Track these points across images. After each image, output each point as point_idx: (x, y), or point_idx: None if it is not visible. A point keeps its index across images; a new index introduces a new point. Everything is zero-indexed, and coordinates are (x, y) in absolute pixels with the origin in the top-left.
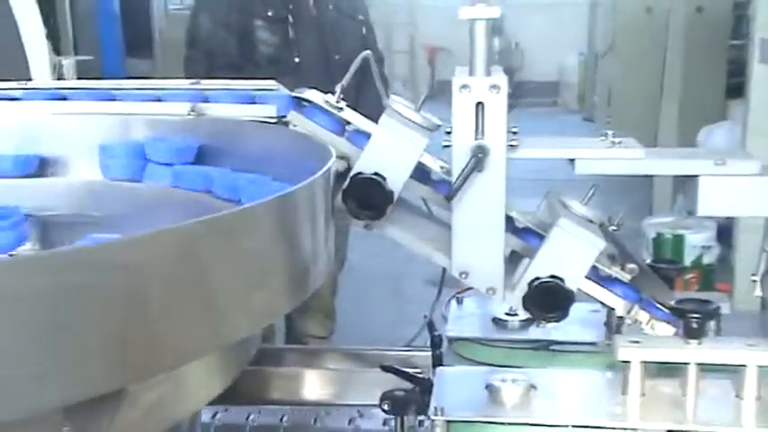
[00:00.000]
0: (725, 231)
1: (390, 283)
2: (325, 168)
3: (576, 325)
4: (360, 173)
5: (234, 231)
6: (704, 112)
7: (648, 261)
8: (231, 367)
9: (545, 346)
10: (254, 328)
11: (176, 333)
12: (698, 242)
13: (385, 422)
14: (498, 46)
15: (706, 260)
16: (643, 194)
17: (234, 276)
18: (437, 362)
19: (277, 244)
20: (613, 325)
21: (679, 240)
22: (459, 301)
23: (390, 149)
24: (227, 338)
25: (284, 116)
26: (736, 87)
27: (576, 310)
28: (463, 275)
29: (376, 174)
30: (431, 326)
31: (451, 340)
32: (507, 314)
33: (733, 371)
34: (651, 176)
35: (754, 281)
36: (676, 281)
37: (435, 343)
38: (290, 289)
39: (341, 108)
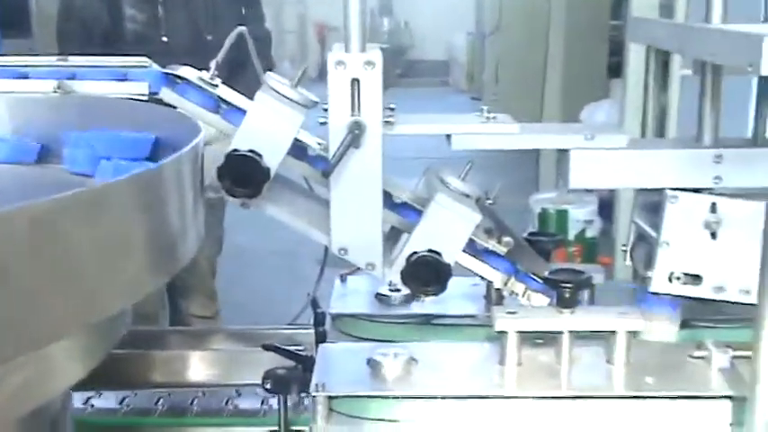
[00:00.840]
0: (606, 206)
1: (284, 263)
2: (191, 145)
3: (458, 299)
4: (235, 150)
5: (95, 208)
6: (587, 91)
7: (525, 234)
8: (99, 347)
9: (427, 320)
10: (120, 305)
11: (38, 313)
12: (580, 217)
13: (264, 401)
14: (387, 25)
15: (589, 234)
16: (530, 172)
17: (96, 254)
18: (320, 339)
19: (141, 220)
20: (493, 298)
21: (563, 215)
22: (343, 279)
23: (266, 126)
24: (91, 317)
25: (156, 93)
26: (617, 66)
27: (458, 284)
28: (342, 252)
29: (251, 151)
30: (314, 304)
31: (335, 317)
32: (390, 290)
33: (605, 338)
34: (537, 155)
35: (624, 251)
36: (558, 254)
37: (318, 320)
38: (157, 265)
39: (215, 85)
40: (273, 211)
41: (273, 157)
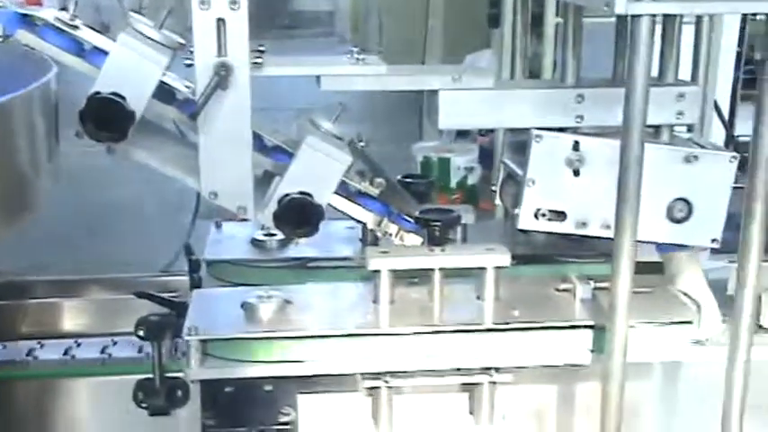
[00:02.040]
0: (487, 154)
1: (170, 216)
2: (41, 81)
3: (334, 242)
4: (97, 93)
5: None
6: (469, 41)
7: (399, 177)
8: None
9: (302, 263)
10: None
11: None
12: (462, 164)
13: (141, 349)
14: None
15: (470, 181)
16: (416, 121)
17: None
18: (195, 286)
19: None
20: (368, 240)
21: (444, 163)
22: (219, 226)
23: (129, 68)
24: None
25: (10, 35)
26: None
27: (335, 227)
28: (212, 196)
29: (114, 93)
30: (188, 250)
31: (210, 264)
32: (265, 235)
33: (477, 275)
34: (422, 104)
35: (494, 191)
36: (440, 200)
37: (193, 267)
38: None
39: (76, 26)
40: (141, 156)
41: (138, 100)
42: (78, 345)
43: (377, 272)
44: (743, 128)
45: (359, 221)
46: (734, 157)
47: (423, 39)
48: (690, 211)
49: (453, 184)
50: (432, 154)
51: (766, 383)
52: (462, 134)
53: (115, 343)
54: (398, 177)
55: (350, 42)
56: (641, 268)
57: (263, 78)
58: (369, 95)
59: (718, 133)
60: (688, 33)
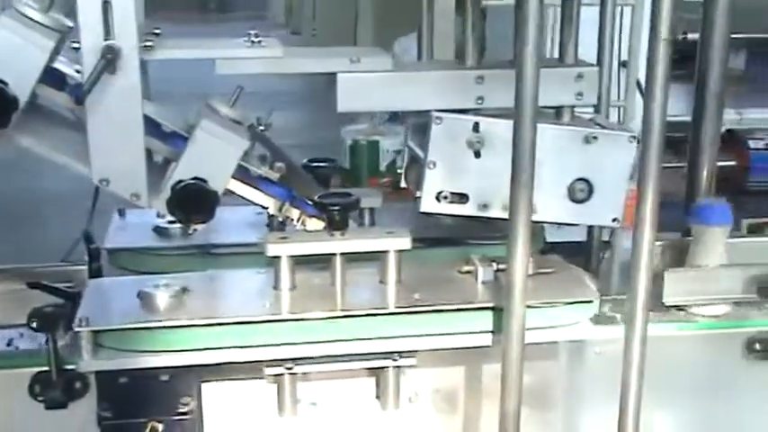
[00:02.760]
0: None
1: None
2: None
3: (241, 228)
4: None
5: None
6: (401, 23)
7: (304, 161)
8: None
9: (205, 250)
10: None
11: None
12: (391, 147)
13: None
14: None
15: (399, 164)
16: None
17: None
18: (95, 275)
19: None
20: (274, 225)
21: (373, 146)
22: (122, 213)
23: (11, 52)
24: None
25: None
26: None
27: (242, 213)
28: (104, 183)
29: None
30: (87, 238)
31: (111, 252)
32: (170, 222)
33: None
34: None
35: (400, 173)
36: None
37: (93, 255)
38: None
39: None
40: (28, 142)
41: (22, 86)
42: None
43: (276, 258)
44: (673, 109)
45: (261, 206)
46: (632, 137)
47: (354, 21)
48: (591, 192)
49: (383, 167)
50: (360, 137)
51: (664, 360)
52: (394, 117)
53: (22, 335)
54: (304, 161)
55: (283, 26)
56: (559, 250)
57: (197, 63)
58: (306, 78)
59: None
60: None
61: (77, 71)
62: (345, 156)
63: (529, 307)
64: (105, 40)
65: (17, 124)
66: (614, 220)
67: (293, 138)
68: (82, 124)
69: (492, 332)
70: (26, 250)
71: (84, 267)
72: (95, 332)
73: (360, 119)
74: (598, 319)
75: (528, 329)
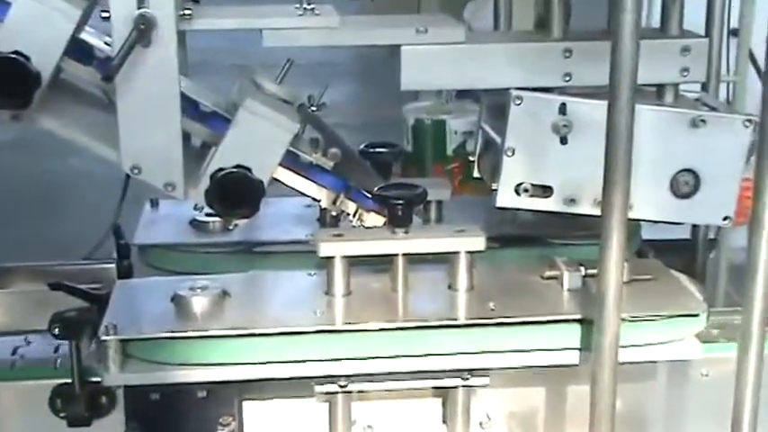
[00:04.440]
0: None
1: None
2: None
3: (288, 223)
4: None
5: None
6: None
7: (362, 146)
8: None
9: (248, 248)
10: None
11: None
12: (460, 128)
13: (58, 348)
14: None
15: (470, 147)
16: None
17: None
18: (124, 274)
19: None
20: (327, 220)
21: (439, 126)
22: (155, 204)
23: (35, 23)
24: None
25: None
26: None
27: (289, 205)
28: (135, 171)
29: (16, 53)
30: (117, 233)
31: (142, 249)
32: (208, 215)
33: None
34: None
35: (471, 161)
36: (436, 171)
37: (122, 253)
38: None
39: None
40: (52, 124)
41: (45, 60)
42: None
43: (329, 259)
44: None
45: (313, 199)
46: (748, 120)
47: None
48: (697, 185)
49: (450, 151)
50: (424, 116)
51: None
52: (464, 92)
53: (29, 342)
54: (361, 146)
55: None
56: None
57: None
58: (358, 47)
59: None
60: None
61: (107, 43)
62: (407, 138)
63: (623, 320)
64: (138, 8)
65: (39, 103)
66: (725, 218)
67: (344, 117)
68: (111, 104)
69: (579, 349)
70: (46, 245)
71: (113, 266)
72: (124, 341)
73: (423, 95)
74: (705, 336)
75: (622, 347)
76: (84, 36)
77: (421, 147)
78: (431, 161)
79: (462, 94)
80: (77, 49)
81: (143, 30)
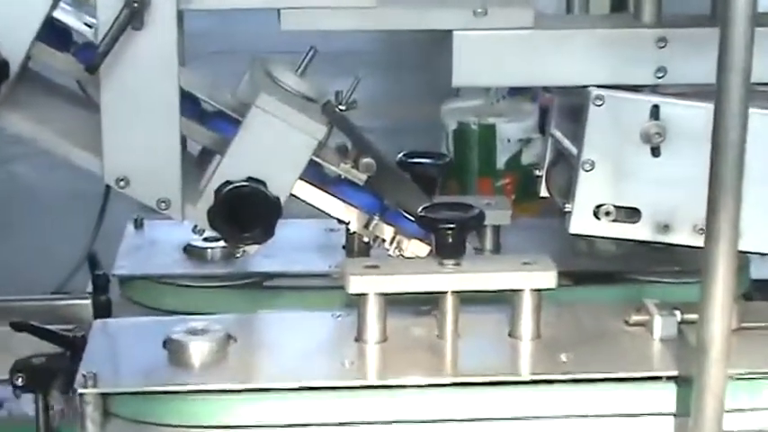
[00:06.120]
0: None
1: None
2: None
3: (305, 251)
4: None
5: None
6: None
7: (401, 155)
8: None
9: (259, 281)
10: None
11: None
12: (514, 134)
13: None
14: None
15: (526, 159)
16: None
17: None
18: (102, 312)
19: None
20: (355, 248)
21: (488, 132)
22: (139, 225)
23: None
24: None
25: None
26: None
27: (306, 229)
28: (121, 183)
29: None
30: (92, 262)
31: (124, 281)
32: (208, 240)
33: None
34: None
35: (539, 176)
36: (482, 186)
37: (99, 286)
38: None
39: None
40: (21, 124)
41: (15, 45)
42: None
43: (360, 296)
44: None
45: (339, 221)
46: None
47: None
48: None
49: (502, 163)
50: (470, 119)
51: None
52: (519, 89)
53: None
54: (400, 156)
55: None
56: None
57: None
58: (390, 34)
59: None
60: None
61: (88, 25)
62: (447, 145)
63: (731, 378)
64: None
65: (5, 98)
66: None
67: (375, 118)
68: (92, 101)
69: (674, 414)
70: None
71: (88, 302)
72: (105, 395)
73: (467, 92)
74: None
75: (728, 411)
76: (59, 15)
77: (464, 157)
78: (475, 175)
79: (517, 92)
80: (52, 32)
81: (135, 9)
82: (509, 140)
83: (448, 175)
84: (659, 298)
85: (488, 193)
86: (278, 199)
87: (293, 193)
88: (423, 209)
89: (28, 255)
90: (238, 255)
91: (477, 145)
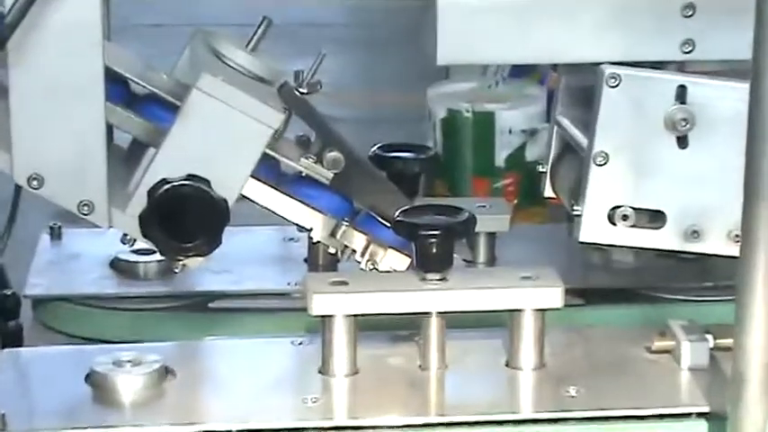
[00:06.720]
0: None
1: None
2: None
3: (258, 265)
4: None
5: None
6: None
7: (375, 148)
8: None
9: (202, 302)
10: None
11: None
12: (516, 123)
13: None
14: None
15: (530, 154)
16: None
17: None
18: (12, 340)
19: None
20: (320, 261)
21: (485, 121)
22: (56, 234)
23: None
24: None
25: None
26: None
27: (263, 237)
28: (34, 183)
29: None
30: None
31: (38, 303)
32: (138, 252)
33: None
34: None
35: (542, 172)
36: (477, 187)
37: (7, 308)
38: None
39: None
40: None
41: None
42: None
43: (326, 319)
44: None
45: (300, 228)
46: None
47: None
48: None
49: (501, 160)
50: (462, 105)
51: None
52: (522, 68)
53: None
54: (374, 149)
55: None
56: None
57: None
58: (365, 5)
59: None
60: None
61: None
62: (434, 138)
63: None
64: None
65: None
66: None
67: (345, 105)
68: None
69: None
70: None
71: None
72: None
73: (458, 72)
74: None
75: None
76: None
77: (455, 152)
78: (469, 173)
79: (520, 72)
80: None
81: None
82: (510, 131)
83: (434, 173)
84: (687, 319)
85: (484, 195)
86: (225, 201)
87: (244, 193)
88: (401, 212)
89: None
90: (177, 270)
91: (470, 137)
